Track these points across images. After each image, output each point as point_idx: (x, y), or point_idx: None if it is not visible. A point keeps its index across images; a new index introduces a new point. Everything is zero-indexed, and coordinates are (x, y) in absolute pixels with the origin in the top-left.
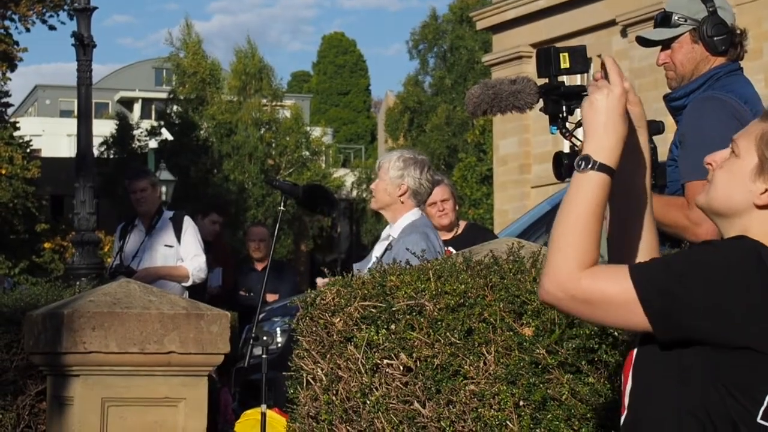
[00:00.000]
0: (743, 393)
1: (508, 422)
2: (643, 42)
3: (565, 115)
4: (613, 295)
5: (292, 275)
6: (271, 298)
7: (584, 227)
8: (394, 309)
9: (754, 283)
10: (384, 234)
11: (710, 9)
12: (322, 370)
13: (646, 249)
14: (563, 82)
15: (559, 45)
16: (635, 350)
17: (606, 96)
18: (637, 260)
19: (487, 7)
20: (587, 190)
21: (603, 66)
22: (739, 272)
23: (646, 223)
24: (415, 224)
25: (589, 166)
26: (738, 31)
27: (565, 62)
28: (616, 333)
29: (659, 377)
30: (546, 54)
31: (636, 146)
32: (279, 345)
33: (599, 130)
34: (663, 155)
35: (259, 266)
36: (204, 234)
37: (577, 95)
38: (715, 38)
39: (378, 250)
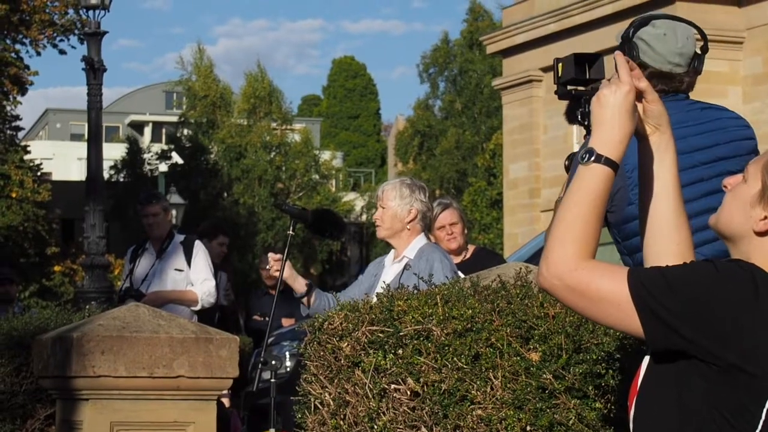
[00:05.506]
0: (736, 416)
1: None
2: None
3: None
4: (608, 292)
5: None
6: (287, 322)
7: (584, 217)
8: (401, 334)
9: (744, 304)
10: (388, 260)
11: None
12: (329, 394)
13: (680, 251)
14: (572, 90)
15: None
16: (640, 379)
17: (613, 92)
18: (672, 262)
19: (498, 31)
20: (589, 182)
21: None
22: (732, 292)
23: (676, 222)
24: (431, 246)
25: (593, 158)
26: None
27: (559, 71)
28: (623, 358)
29: (659, 409)
30: (554, 65)
31: (659, 145)
32: (288, 369)
33: (605, 124)
34: None
35: (274, 291)
36: (212, 257)
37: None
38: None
39: (389, 274)
